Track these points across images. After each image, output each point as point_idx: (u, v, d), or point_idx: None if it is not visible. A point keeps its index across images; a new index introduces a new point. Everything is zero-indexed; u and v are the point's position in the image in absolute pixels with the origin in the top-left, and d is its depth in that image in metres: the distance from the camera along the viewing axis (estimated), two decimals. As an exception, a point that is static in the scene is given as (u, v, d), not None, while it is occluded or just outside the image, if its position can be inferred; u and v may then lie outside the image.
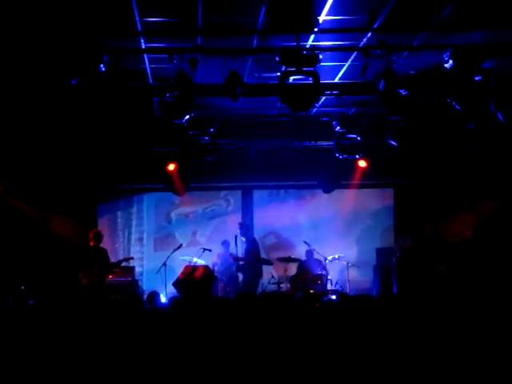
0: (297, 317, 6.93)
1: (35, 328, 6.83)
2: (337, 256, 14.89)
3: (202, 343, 6.13)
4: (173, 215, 16.48)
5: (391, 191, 16.70)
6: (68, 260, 14.09)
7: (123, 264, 13.85)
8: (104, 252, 12.96)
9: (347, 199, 16.36)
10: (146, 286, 14.94)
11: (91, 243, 12.93)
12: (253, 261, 14.83)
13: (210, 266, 14.48)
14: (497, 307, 7.21)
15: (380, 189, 16.69)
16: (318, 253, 14.82)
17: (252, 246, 15.00)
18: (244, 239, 15.09)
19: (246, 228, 15.36)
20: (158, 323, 6.60)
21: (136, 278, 14.92)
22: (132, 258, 13.78)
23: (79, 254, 12.77)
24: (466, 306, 7.22)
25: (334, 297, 13.85)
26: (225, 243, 15.32)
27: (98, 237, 13.06)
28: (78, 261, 12.62)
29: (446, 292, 13.28)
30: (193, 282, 13.74)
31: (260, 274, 14.90)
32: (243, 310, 6.87)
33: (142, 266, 15.83)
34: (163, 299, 14.04)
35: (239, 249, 14.76)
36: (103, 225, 15.43)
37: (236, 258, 14.70)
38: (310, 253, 14.96)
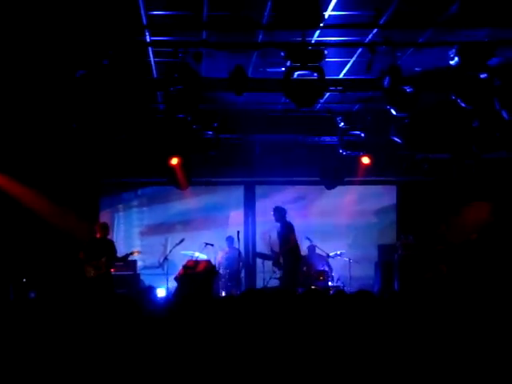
0: (299, 313, 6.92)
1: (36, 321, 6.82)
2: (339, 252, 14.89)
3: (203, 341, 6.12)
4: (175, 209, 16.47)
5: (394, 188, 16.70)
6: (70, 253, 14.12)
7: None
8: (111, 244, 13.00)
9: (350, 196, 16.37)
10: (148, 279, 14.93)
11: (98, 235, 12.94)
12: (235, 270, 14.85)
13: (213, 261, 14.50)
14: (497, 307, 7.20)
15: (383, 186, 16.68)
16: (320, 249, 14.81)
17: (235, 256, 15.00)
18: (227, 250, 15.14)
19: (232, 240, 15.35)
20: (158, 322, 6.59)
21: (138, 271, 14.92)
22: (139, 252, 13.78)
23: (86, 246, 12.78)
24: (465, 305, 7.21)
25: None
26: (229, 239, 15.35)
27: (105, 228, 13.09)
28: (84, 253, 12.63)
29: (446, 290, 13.28)
30: (194, 276, 13.73)
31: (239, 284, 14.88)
32: (244, 306, 6.86)
33: (143, 260, 15.82)
34: (162, 293, 14.09)
35: (241, 244, 14.79)
36: (105, 218, 15.41)
37: (238, 254, 14.70)
38: (312, 248, 14.95)
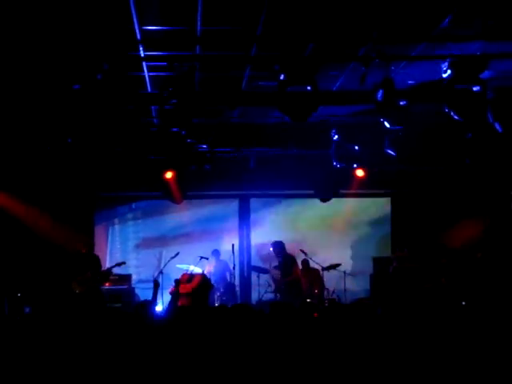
0: (295, 326, 6.93)
1: (31, 336, 6.81)
2: (333, 265, 14.87)
3: (200, 353, 6.12)
4: (170, 223, 16.46)
5: (388, 200, 16.72)
6: (64, 267, 14.11)
7: (120, 272, 13.84)
8: (96, 259, 12.95)
9: (344, 208, 16.39)
10: (143, 293, 14.90)
11: (83, 250, 12.92)
12: (228, 286, 14.89)
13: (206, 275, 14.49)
14: (493, 320, 7.22)
15: (377, 198, 16.71)
16: (314, 261, 14.80)
17: (223, 270, 15.05)
18: (215, 263, 15.18)
19: (218, 253, 15.38)
20: (155, 335, 6.59)
21: (133, 285, 14.89)
22: (124, 263, 13.69)
23: (71, 261, 12.77)
24: (463, 317, 7.24)
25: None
26: (215, 252, 15.36)
27: (90, 243, 13.08)
28: (70, 268, 12.63)
29: (445, 303, 13.31)
30: (190, 290, 13.71)
31: (235, 297, 14.88)
32: (241, 319, 6.86)
33: (138, 274, 15.79)
34: (158, 307, 14.06)
35: (236, 257, 14.79)
36: (100, 232, 15.42)
37: (233, 267, 14.69)
38: (306, 261, 14.94)
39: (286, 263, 13.97)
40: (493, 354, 6.20)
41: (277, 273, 14.48)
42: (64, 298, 13.47)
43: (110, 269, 13.18)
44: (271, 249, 14.42)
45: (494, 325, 7.18)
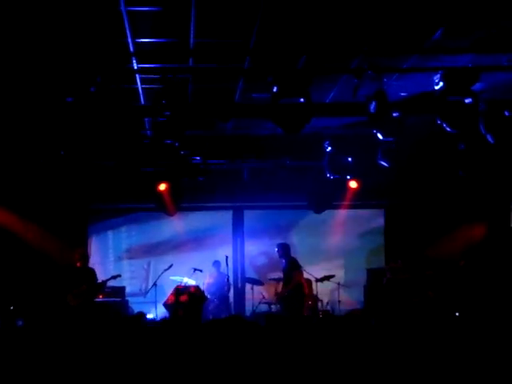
0: (289, 337, 6.92)
1: (24, 348, 6.79)
2: (327, 276, 14.86)
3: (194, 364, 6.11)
4: (163, 235, 16.45)
5: (382, 212, 16.75)
6: (57, 281, 14.08)
7: (113, 284, 13.79)
8: (91, 272, 12.92)
9: (338, 219, 16.40)
10: (136, 306, 14.86)
11: (78, 264, 12.89)
12: (222, 297, 14.87)
13: (202, 287, 14.46)
14: (484, 331, 7.23)
15: (371, 209, 16.74)
16: (308, 272, 14.78)
17: (222, 282, 14.99)
18: (216, 274, 15.17)
19: (219, 265, 15.36)
20: (149, 344, 6.58)
21: (126, 298, 14.85)
22: (119, 276, 13.69)
23: (67, 274, 12.74)
24: (451, 330, 7.25)
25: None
26: (216, 263, 15.34)
27: (85, 257, 13.04)
28: (66, 282, 12.60)
29: (433, 315, 13.33)
30: (183, 302, 13.70)
31: (229, 309, 14.87)
32: (235, 331, 6.85)
33: (132, 286, 15.75)
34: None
35: (230, 269, 14.77)
36: (94, 244, 15.38)
37: (227, 278, 14.66)
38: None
39: (288, 266, 13.87)
40: (486, 365, 6.20)
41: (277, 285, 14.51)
42: (57, 310, 13.44)
43: (105, 281, 13.15)
44: (276, 249, 14.29)
45: (486, 334, 7.19)
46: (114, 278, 13.39)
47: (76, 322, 12.19)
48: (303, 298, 13.80)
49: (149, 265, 16.06)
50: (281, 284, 14.76)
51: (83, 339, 7.14)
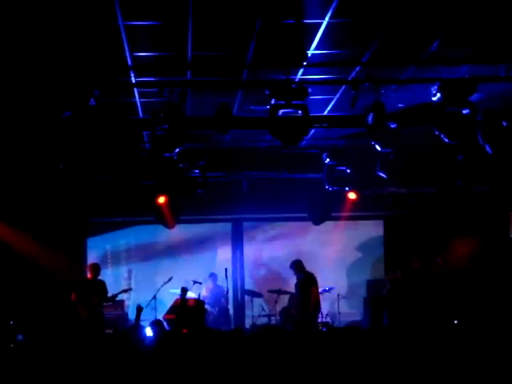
0: (289, 350, 6.91)
1: (24, 364, 6.77)
2: (327, 288, 14.85)
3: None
4: (163, 247, 16.44)
5: (381, 223, 16.75)
6: (57, 294, 14.11)
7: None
8: (102, 284, 13.00)
9: (337, 231, 16.39)
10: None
11: (89, 276, 12.99)
12: (223, 307, 14.92)
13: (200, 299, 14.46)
14: (485, 338, 7.22)
15: (370, 220, 16.73)
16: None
17: (219, 294, 15.04)
18: (211, 287, 15.22)
19: (215, 277, 15.41)
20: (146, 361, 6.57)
21: (126, 311, 14.83)
22: (130, 289, 13.66)
23: (77, 287, 12.80)
24: (453, 339, 7.23)
25: (324, 329, 13.82)
26: (212, 275, 15.36)
27: (96, 269, 13.12)
28: (76, 294, 12.64)
29: (434, 325, 13.30)
30: (183, 315, 13.68)
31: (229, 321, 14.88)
32: (235, 344, 6.84)
33: (131, 299, 15.74)
34: (151, 333, 13.99)
35: (229, 281, 14.77)
36: (93, 257, 15.38)
37: (226, 291, 14.65)
38: (299, 285, 14.88)
39: (305, 282, 13.68)
40: (487, 373, 6.20)
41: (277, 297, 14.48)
42: (57, 324, 13.46)
43: (115, 295, 13.23)
44: (290, 268, 14.15)
45: (486, 342, 7.19)
46: (124, 291, 13.45)
47: (85, 333, 12.24)
48: (317, 312, 13.73)
49: (130, 272, 16.06)
50: (280, 296, 14.78)
51: (84, 354, 7.12)
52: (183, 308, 13.88)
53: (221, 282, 15.11)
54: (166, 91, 9.12)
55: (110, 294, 13.20)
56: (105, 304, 13.23)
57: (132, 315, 14.77)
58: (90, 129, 10.14)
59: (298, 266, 13.80)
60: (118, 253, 16.50)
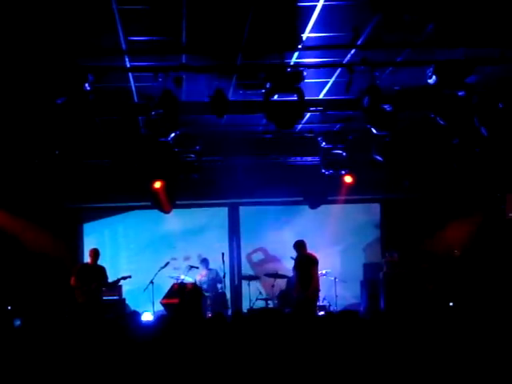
0: (287, 333, 6.93)
1: (22, 348, 6.79)
2: (324, 271, 14.86)
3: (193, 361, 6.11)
4: (159, 232, 16.45)
5: (378, 206, 16.75)
6: (54, 278, 14.15)
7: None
8: (102, 270, 13.03)
9: (334, 215, 16.38)
10: (134, 304, 14.85)
11: (90, 261, 13.04)
12: (219, 292, 14.99)
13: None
14: (483, 324, 7.23)
15: (367, 204, 16.73)
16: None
17: (213, 278, 15.16)
18: (205, 272, 15.25)
19: (207, 262, 15.46)
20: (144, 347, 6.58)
21: (123, 296, 14.85)
22: (130, 277, 13.69)
23: (77, 272, 12.82)
24: (451, 323, 7.24)
25: (322, 313, 13.85)
26: (204, 261, 15.41)
27: (96, 254, 13.14)
28: (76, 279, 12.67)
29: (432, 308, 13.34)
30: (181, 299, 13.73)
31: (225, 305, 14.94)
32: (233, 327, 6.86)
33: (129, 284, 15.75)
34: (149, 317, 14.05)
35: (226, 265, 14.82)
36: (90, 243, 15.35)
37: (223, 276, 14.69)
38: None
39: (304, 262, 13.55)
40: (485, 358, 6.21)
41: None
42: (55, 309, 13.49)
43: (115, 281, 13.27)
44: (293, 247, 14.03)
45: (483, 327, 7.20)
46: (124, 278, 13.46)
47: (81, 318, 12.30)
48: (317, 292, 13.42)
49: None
50: (276, 280, 14.80)
51: (82, 339, 7.14)
52: (181, 292, 13.92)
53: (214, 266, 15.18)
54: (161, 76, 9.09)
55: (109, 281, 13.21)
56: (103, 289, 13.23)
57: (130, 301, 14.85)
58: (85, 114, 10.10)
59: (300, 245, 13.71)
60: (116, 238, 16.51)
